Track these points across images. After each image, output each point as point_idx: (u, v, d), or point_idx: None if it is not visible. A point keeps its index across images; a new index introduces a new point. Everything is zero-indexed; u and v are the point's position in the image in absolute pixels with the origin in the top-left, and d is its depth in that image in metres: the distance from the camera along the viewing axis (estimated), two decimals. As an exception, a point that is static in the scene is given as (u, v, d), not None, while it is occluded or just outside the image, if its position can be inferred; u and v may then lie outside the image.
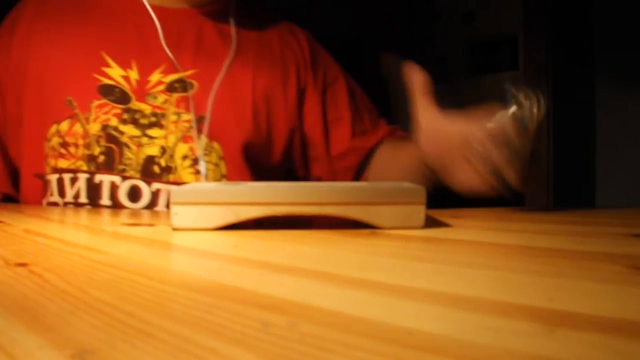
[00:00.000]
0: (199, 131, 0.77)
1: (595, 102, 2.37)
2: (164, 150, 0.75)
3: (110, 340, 0.19)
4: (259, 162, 0.82)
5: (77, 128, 0.75)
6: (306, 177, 0.91)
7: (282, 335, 0.19)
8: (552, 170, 2.24)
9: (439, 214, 0.57)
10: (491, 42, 3.20)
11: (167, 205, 0.72)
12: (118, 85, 0.75)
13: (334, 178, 0.89)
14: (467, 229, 0.49)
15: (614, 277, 0.29)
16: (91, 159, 0.75)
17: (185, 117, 0.76)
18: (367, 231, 0.46)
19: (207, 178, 0.76)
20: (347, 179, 0.89)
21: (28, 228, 0.51)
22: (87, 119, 0.75)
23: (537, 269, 0.31)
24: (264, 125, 0.83)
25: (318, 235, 0.45)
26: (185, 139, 0.76)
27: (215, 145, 0.78)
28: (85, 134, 0.75)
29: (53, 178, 0.76)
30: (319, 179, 0.90)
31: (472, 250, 0.38)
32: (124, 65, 0.76)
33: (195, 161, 0.76)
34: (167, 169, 0.75)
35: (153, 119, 0.75)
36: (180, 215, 0.47)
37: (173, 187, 0.48)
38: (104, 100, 0.75)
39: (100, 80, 0.75)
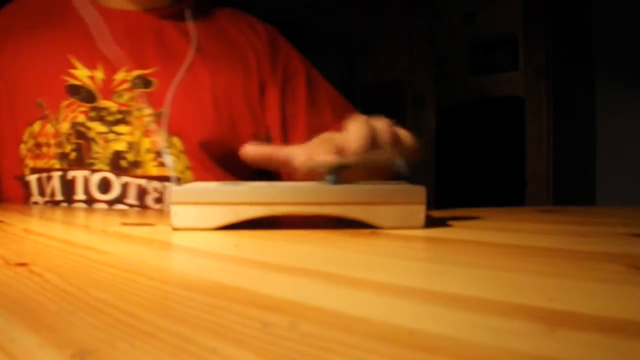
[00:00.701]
0: (159, 126, 0.80)
1: (595, 102, 2.37)
2: (131, 146, 0.78)
3: (110, 340, 0.19)
4: (224, 156, 0.83)
5: (49, 128, 0.79)
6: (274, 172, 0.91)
7: (282, 335, 0.19)
8: (552, 170, 2.25)
9: (439, 214, 0.57)
10: (491, 42, 3.21)
11: (138, 197, 0.77)
12: (84, 86, 0.79)
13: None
14: (467, 229, 0.49)
15: (614, 276, 0.29)
16: (63, 156, 0.78)
17: (147, 111, 0.79)
18: (367, 231, 0.46)
19: (174, 170, 0.79)
20: None
21: (28, 228, 0.51)
22: (57, 119, 0.78)
23: (537, 269, 0.31)
24: (226, 120, 0.84)
25: (318, 235, 0.45)
26: (147, 133, 0.79)
27: (175, 140, 0.80)
28: (57, 133, 0.78)
29: (33, 179, 0.80)
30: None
31: (472, 250, 0.38)
32: (90, 66, 0.80)
33: (158, 154, 0.79)
34: (135, 164, 0.78)
35: (119, 116, 0.79)
36: (180, 215, 0.47)
37: (173, 187, 0.48)
38: (71, 100, 0.79)
39: (67, 81, 0.79)
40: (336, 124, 0.92)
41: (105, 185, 0.78)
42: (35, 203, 0.80)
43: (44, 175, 0.79)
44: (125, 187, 0.78)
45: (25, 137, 0.80)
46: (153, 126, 0.79)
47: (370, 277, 0.29)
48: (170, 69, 0.82)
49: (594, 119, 2.37)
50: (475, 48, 3.31)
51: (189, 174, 0.80)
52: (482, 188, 2.89)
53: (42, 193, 0.79)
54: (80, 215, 0.65)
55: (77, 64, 0.80)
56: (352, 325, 0.21)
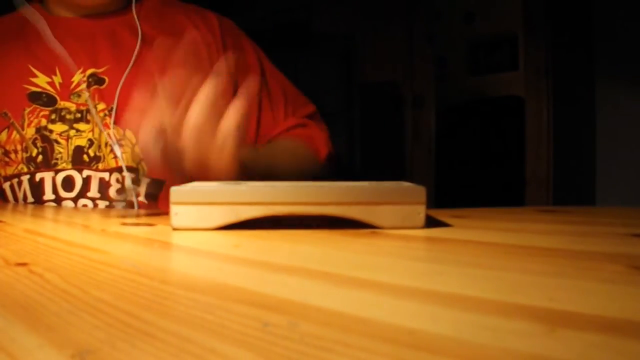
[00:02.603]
0: (111, 120, 0.84)
1: (595, 102, 2.37)
2: (91, 141, 0.83)
3: (111, 340, 0.19)
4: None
5: (15, 135, 0.85)
6: None
7: (282, 335, 0.19)
8: (552, 170, 2.25)
9: (439, 214, 0.57)
10: (491, 42, 3.21)
11: (99, 190, 0.82)
12: (44, 91, 0.85)
13: None
14: (467, 229, 0.49)
15: (614, 277, 0.29)
16: (30, 160, 0.83)
17: (100, 107, 0.85)
18: (367, 231, 0.46)
19: (124, 160, 0.83)
20: None
21: (28, 228, 0.51)
22: (21, 126, 0.84)
23: (537, 269, 0.31)
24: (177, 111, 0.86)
25: (318, 235, 0.45)
26: (104, 127, 0.84)
27: (128, 133, 0.84)
28: (22, 139, 0.84)
29: (7, 186, 0.86)
30: None
31: (472, 250, 0.38)
32: (49, 72, 0.86)
33: (117, 147, 0.83)
34: (96, 158, 0.83)
35: (78, 115, 0.84)
36: (180, 215, 0.47)
37: (173, 187, 0.48)
38: (33, 106, 0.84)
39: (28, 89, 0.85)
40: (289, 117, 0.93)
41: (69, 183, 0.82)
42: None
43: (15, 180, 0.84)
44: (86, 181, 0.82)
45: None
46: (108, 120, 0.83)
47: (370, 277, 0.29)
48: (121, 66, 0.86)
49: (594, 119, 2.37)
50: (475, 48, 3.32)
51: (142, 166, 0.84)
52: (482, 188, 2.89)
53: (15, 198, 0.85)
54: (80, 215, 0.65)
55: (37, 72, 0.86)
56: (351, 325, 0.21)
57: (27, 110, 0.84)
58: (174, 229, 0.47)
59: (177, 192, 0.47)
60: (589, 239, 0.45)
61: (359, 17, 2.90)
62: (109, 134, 0.82)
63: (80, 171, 0.82)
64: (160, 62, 0.86)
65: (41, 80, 0.85)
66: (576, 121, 2.34)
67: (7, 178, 0.85)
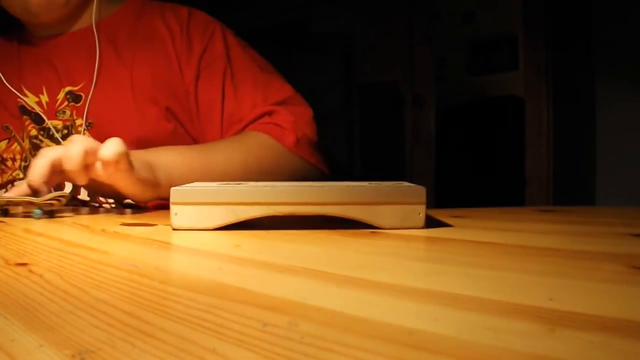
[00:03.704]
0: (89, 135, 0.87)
1: (595, 102, 2.37)
2: None
3: (110, 340, 0.19)
4: None
5: (15, 146, 0.90)
6: None
7: (282, 335, 0.19)
8: (553, 169, 2.25)
9: (439, 214, 0.57)
10: (491, 41, 3.21)
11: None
12: (33, 110, 0.89)
13: None
14: (468, 229, 0.49)
15: (614, 276, 0.29)
16: (26, 167, 0.87)
17: (78, 122, 0.88)
18: (367, 231, 0.46)
19: None
20: None
21: (28, 228, 0.51)
22: (22, 137, 0.89)
23: (537, 269, 0.31)
24: (150, 115, 0.89)
25: (318, 235, 0.45)
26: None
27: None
28: (22, 150, 0.89)
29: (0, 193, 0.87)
30: None
31: (472, 250, 0.38)
32: (36, 92, 0.90)
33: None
34: None
35: (65, 131, 0.88)
36: (180, 215, 0.47)
37: (174, 187, 0.48)
38: (25, 117, 0.89)
39: (21, 103, 0.90)
40: (257, 106, 0.91)
41: (60, 188, 0.83)
42: None
43: (10, 186, 0.87)
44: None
45: None
46: (87, 134, 0.86)
47: (371, 277, 0.29)
48: (92, 79, 0.89)
49: (594, 118, 2.37)
50: (475, 48, 3.31)
51: None
52: (482, 188, 2.89)
53: None
54: (81, 215, 0.65)
55: (27, 92, 0.90)
56: (351, 325, 0.21)
57: (27, 122, 0.89)
58: (174, 229, 0.47)
59: (177, 192, 0.47)
60: (589, 238, 0.45)
61: (359, 17, 2.90)
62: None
63: None
64: (128, 69, 0.89)
65: (31, 100, 0.89)
66: (576, 121, 2.34)
67: (2, 186, 0.88)
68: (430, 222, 0.49)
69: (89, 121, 0.88)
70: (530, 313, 0.22)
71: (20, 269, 0.31)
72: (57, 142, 0.87)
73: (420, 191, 0.48)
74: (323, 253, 0.38)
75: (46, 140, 0.88)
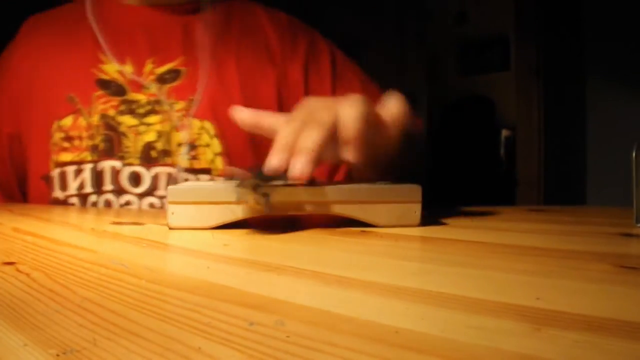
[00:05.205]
0: (189, 114, 0.81)
1: (586, 102, 2.38)
2: (160, 134, 0.79)
3: (95, 339, 0.19)
4: (255, 137, 0.82)
5: (81, 122, 0.80)
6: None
7: (268, 334, 0.19)
8: (543, 169, 2.25)
9: (434, 213, 0.57)
10: (483, 42, 3.22)
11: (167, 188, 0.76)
12: (114, 80, 0.81)
13: None
14: (457, 228, 0.49)
15: (602, 276, 0.29)
16: (94, 148, 0.79)
17: (178, 106, 0.81)
18: (357, 230, 0.46)
19: (202, 161, 0.80)
20: None
21: (17, 227, 0.51)
22: (89, 112, 0.80)
23: (526, 268, 0.31)
24: (253, 104, 0.84)
25: (308, 234, 0.45)
26: (178, 127, 0.80)
27: (207, 124, 0.81)
28: (89, 126, 0.79)
29: (55, 174, 0.80)
30: None
31: (462, 250, 0.38)
32: (119, 60, 0.82)
33: (187, 148, 0.80)
34: (165, 152, 0.79)
35: (149, 107, 0.80)
36: (177, 214, 0.47)
37: (170, 186, 0.48)
38: (101, 92, 0.80)
39: (97, 75, 0.81)
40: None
41: (135, 179, 0.79)
42: (56, 199, 0.80)
43: (72, 168, 0.79)
44: (155, 179, 0.79)
45: (52, 131, 0.81)
46: (185, 121, 0.80)
47: (359, 277, 0.29)
48: (195, 59, 0.84)
49: (585, 119, 2.38)
50: (466, 48, 3.32)
51: (218, 161, 0.80)
52: (473, 187, 2.90)
53: (64, 187, 0.79)
54: (71, 214, 0.65)
55: (106, 59, 0.82)
56: (338, 325, 0.21)
57: (95, 94, 0.80)
58: (171, 229, 0.47)
59: (173, 191, 0.47)
60: (578, 238, 0.45)
61: (351, 18, 2.90)
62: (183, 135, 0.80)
63: (148, 169, 0.79)
64: (234, 57, 0.86)
65: (111, 68, 0.82)
66: (567, 121, 2.35)
67: (60, 164, 0.80)
68: (425, 220, 0.50)
69: (191, 98, 0.81)
70: (517, 312, 0.22)
71: (7, 268, 0.31)
72: (140, 120, 0.79)
73: (416, 190, 0.49)
74: (312, 252, 0.38)
75: (126, 118, 0.80)
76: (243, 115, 0.58)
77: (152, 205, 0.78)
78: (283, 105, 0.87)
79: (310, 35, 0.94)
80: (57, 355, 0.18)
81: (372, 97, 0.90)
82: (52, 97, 0.82)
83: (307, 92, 0.89)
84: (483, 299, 0.24)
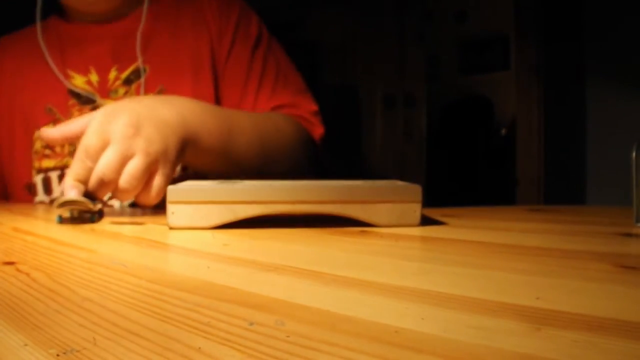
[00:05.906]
0: None
1: (587, 102, 2.38)
2: None
3: (96, 339, 0.19)
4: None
5: None
6: None
7: (268, 334, 0.19)
8: (543, 169, 2.25)
9: (430, 213, 0.57)
10: (483, 41, 3.22)
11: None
12: (82, 91, 0.87)
13: None
14: (457, 228, 0.49)
15: (601, 275, 0.29)
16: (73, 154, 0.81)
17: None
18: (357, 230, 0.46)
19: None
20: None
21: (17, 226, 0.51)
22: (67, 119, 0.83)
23: (525, 268, 0.31)
24: (206, 86, 0.89)
25: (308, 234, 0.45)
26: None
27: None
28: None
29: (38, 179, 0.85)
30: None
31: (461, 249, 0.38)
32: (83, 72, 0.88)
33: None
34: None
35: None
36: (177, 214, 0.47)
37: (170, 186, 0.48)
38: (74, 101, 0.86)
39: (67, 87, 0.87)
40: (277, 95, 0.91)
41: None
42: (41, 203, 0.84)
43: (55, 174, 0.84)
44: None
45: (33, 139, 0.86)
46: None
47: (358, 276, 0.29)
48: (153, 55, 0.88)
49: (585, 118, 2.38)
50: (466, 47, 3.32)
51: None
52: (473, 187, 2.90)
53: (48, 191, 0.84)
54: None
55: (72, 73, 0.87)
56: (337, 324, 0.21)
57: (70, 102, 0.86)
58: (171, 228, 0.47)
59: (173, 191, 0.47)
60: (578, 237, 0.45)
61: (350, 17, 2.90)
62: None
63: None
64: (183, 44, 0.90)
65: (78, 81, 0.87)
66: (567, 121, 2.35)
67: (44, 170, 0.85)
68: (424, 221, 0.50)
69: (159, 89, 0.86)
70: (516, 312, 0.22)
71: (7, 268, 0.31)
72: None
73: (416, 190, 0.49)
74: (311, 252, 0.38)
75: None
76: (51, 135, 0.61)
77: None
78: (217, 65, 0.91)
79: (248, 11, 0.96)
80: (57, 355, 0.18)
81: (287, 78, 0.92)
82: (32, 109, 0.87)
83: (225, 68, 0.92)
84: (483, 298, 0.24)
